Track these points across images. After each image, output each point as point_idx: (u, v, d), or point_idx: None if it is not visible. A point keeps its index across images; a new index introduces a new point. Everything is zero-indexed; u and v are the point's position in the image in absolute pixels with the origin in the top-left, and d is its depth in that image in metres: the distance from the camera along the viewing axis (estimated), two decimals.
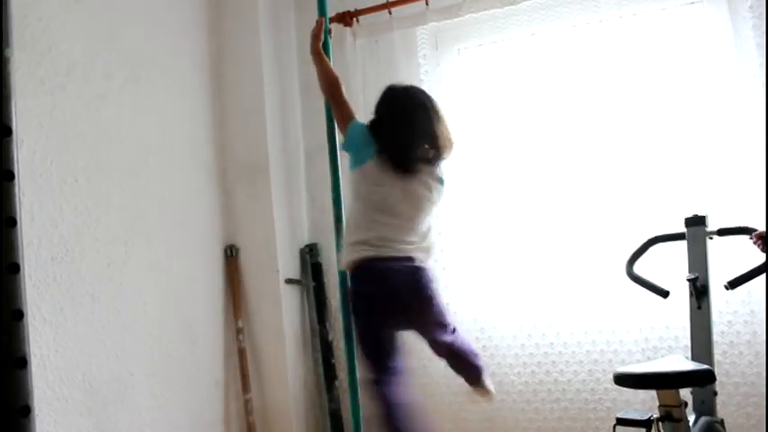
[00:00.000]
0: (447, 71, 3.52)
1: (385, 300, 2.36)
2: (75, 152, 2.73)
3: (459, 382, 3.35)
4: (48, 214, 2.58)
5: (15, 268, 0.81)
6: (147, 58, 3.14)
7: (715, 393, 2.50)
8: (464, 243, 3.45)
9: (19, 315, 0.86)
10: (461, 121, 3.46)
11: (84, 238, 2.73)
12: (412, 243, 2.36)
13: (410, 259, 2.34)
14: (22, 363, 0.88)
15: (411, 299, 2.36)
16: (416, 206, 2.37)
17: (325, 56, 2.63)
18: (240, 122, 3.61)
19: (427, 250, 2.44)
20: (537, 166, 3.37)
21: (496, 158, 3.44)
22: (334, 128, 2.58)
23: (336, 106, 2.56)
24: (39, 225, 2.54)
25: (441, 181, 2.46)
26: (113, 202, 2.88)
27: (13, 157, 0.83)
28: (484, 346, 3.35)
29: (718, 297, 2.82)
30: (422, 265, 2.38)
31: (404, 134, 2.38)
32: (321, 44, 2.64)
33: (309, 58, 2.76)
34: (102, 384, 2.75)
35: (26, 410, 0.89)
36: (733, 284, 2.46)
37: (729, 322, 3.02)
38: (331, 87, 2.58)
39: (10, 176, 0.82)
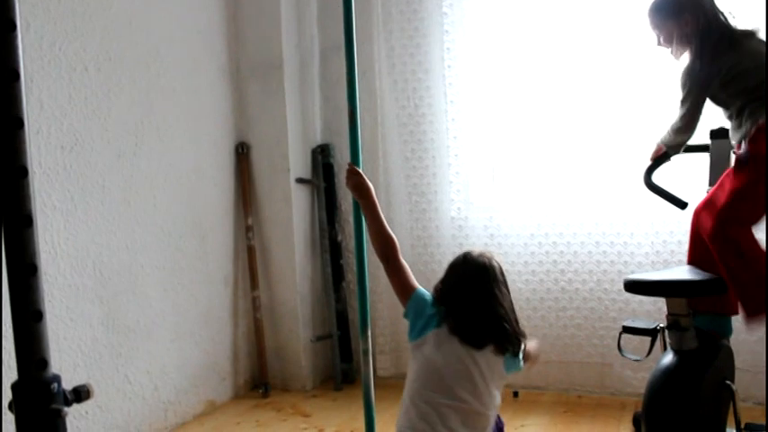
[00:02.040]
0: (472, 4, 3.39)
1: None
2: (85, 40, 2.66)
3: None
4: (57, 102, 2.54)
5: (19, 123, 0.77)
6: None
7: None
8: (479, 150, 3.40)
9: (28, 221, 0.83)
10: (484, 44, 3.36)
11: (94, 128, 2.70)
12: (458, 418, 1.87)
13: None
14: (32, 269, 0.86)
15: None
16: (476, 386, 1.88)
17: (376, 206, 2.06)
18: (254, 18, 3.51)
19: None
20: (555, 76, 3.28)
21: (514, 70, 3.36)
22: (351, 26, 2.45)
23: (394, 272, 2.09)
24: (48, 113, 2.50)
25: (511, 362, 1.93)
26: (124, 94, 2.84)
27: (14, 7, 0.78)
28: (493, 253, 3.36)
29: None
30: None
31: (473, 303, 1.94)
32: (361, 178, 2.08)
33: None
34: (113, 274, 2.78)
35: (38, 315, 0.88)
36: None
37: None
38: (386, 249, 2.08)
39: (11, 26, 0.77)
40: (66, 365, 2.55)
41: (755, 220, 2.17)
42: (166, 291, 3.06)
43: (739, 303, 2.18)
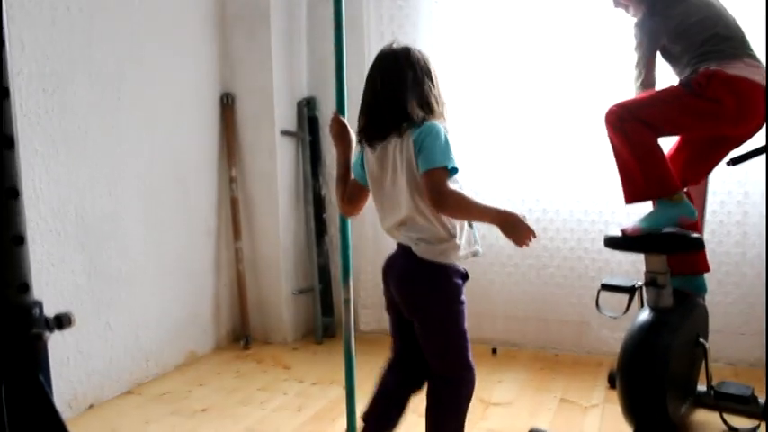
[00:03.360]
0: None
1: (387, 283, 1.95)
2: None
3: None
4: (38, 44, 2.49)
5: (5, 93, 0.75)
6: None
7: None
8: (464, 104, 3.38)
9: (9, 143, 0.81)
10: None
11: (77, 71, 2.65)
12: (401, 229, 1.87)
13: (403, 247, 1.88)
14: (13, 193, 0.85)
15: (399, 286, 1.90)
16: (386, 181, 1.86)
17: (348, 159, 2.03)
18: None
19: (418, 237, 1.83)
20: (541, 39, 3.26)
21: (501, 29, 3.32)
22: None
23: (355, 202, 2.03)
24: (29, 54, 2.46)
25: (415, 142, 1.77)
26: (107, 38, 2.78)
27: None
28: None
29: (715, 176, 2.80)
30: (417, 255, 1.83)
31: (369, 97, 1.86)
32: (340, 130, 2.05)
33: None
34: (95, 221, 2.76)
35: (20, 240, 0.87)
36: (735, 162, 2.42)
37: (722, 202, 3.03)
38: (344, 197, 2.03)
39: None
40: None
41: (657, 126, 2.24)
42: (149, 240, 3.05)
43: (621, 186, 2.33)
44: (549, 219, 3.27)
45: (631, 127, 2.21)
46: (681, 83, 2.26)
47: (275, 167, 3.48)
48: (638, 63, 2.39)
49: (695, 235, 2.16)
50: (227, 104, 3.49)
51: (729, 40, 2.24)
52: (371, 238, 3.61)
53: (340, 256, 2.25)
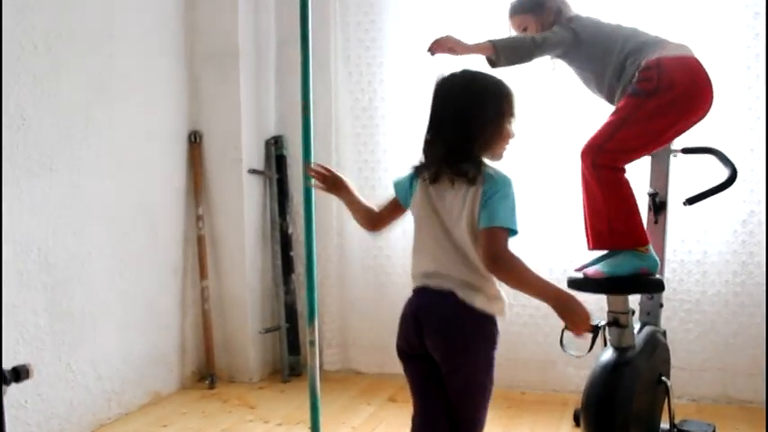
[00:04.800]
0: None
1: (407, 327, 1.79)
2: (33, 17, 2.60)
3: None
4: (4, 80, 2.48)
5: None
6: None
7: (661, 305, 2.57)
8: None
9: None
10: None
11: (43, 108, 2.64)
12: (447, 275, 1.72)
13: (439, 292, 1.72)
14: None
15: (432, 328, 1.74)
16: (445, 222, 1.72)
17: (354, 198, 1.95)
18: (211, 5, 3.47)
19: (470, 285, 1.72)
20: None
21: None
22: (307, 17, 2.44)
23: (386, 223, 1.95)
24: None
25: (484, 194, 1.67)
26: (74, 75, 2.78)
27: None
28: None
29: (675, 215, 2.86)
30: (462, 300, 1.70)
31: (427, 135, 1.74)
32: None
33: None
34: (59, 261, 2.73)
35: None
36: (691, 201, 2.48)
37: (683, 240, 3.09)
38: (372, 226, 1.95)
39: None
40: (7, 352, 2.49)
41: (632, 148, 2.22)
42: (113, 279, 3.02)
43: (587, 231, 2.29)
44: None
45: (606, 175, 2.19)
46: (629, 94, 2.22)
47: (242, 206, 3.48)
48: (547, 40, 2.36)
49: (655, 276, 2.20)
50: (194, 142, 3.49)
51: (645, 34, 2.31)
52: (336, 276, 3.62)
53: (306, 297, 2.25)
